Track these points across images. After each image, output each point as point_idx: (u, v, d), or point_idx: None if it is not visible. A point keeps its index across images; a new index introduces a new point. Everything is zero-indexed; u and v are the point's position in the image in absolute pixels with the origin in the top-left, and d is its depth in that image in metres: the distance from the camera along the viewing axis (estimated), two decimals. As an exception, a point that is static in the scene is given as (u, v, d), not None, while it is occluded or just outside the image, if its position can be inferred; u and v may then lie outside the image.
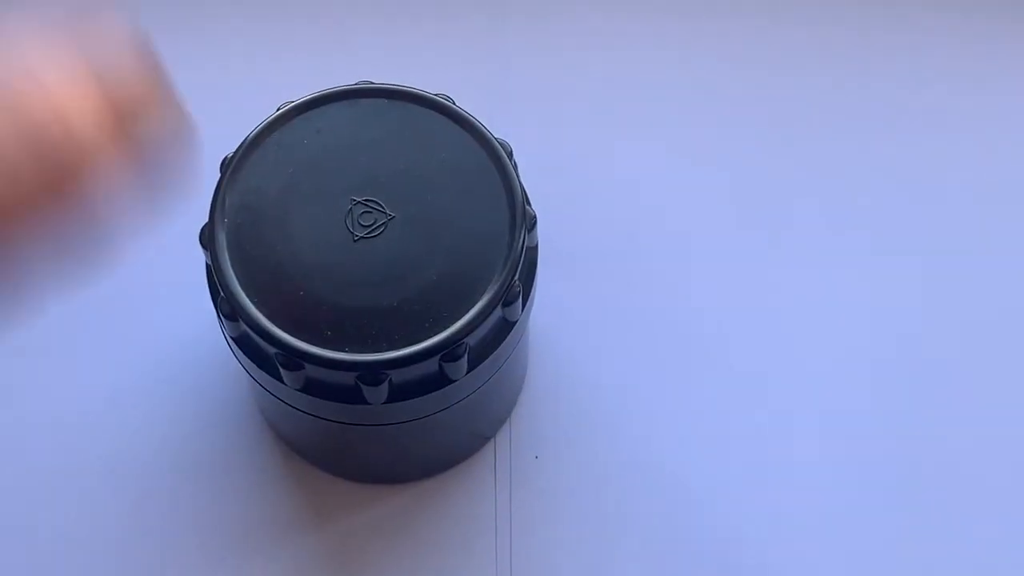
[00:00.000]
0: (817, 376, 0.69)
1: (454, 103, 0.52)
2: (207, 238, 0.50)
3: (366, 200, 0.49)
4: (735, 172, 0.73)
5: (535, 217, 0.51)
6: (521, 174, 0.52)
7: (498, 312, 0.50)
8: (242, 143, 0.51)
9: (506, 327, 0.52)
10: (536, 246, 0.53)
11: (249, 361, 0.52)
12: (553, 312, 0.68)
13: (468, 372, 0.51)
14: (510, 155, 0.51)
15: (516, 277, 0.50)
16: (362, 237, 0.49)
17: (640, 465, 0.66)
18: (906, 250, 0.72)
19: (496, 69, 0.72)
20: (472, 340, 0.49)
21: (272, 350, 0.49)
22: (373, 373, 0.48)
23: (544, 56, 0.74)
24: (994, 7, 0.77)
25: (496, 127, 0.53)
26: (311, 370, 0.49)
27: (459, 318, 0.48)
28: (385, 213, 0.49)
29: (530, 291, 0.53)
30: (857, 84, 0.75)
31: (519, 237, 0.49)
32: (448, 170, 0.50)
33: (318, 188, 0.50)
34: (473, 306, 0.49)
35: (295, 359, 0.49)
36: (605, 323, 0.69)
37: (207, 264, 0.51)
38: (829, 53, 0.76)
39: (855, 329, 0.70)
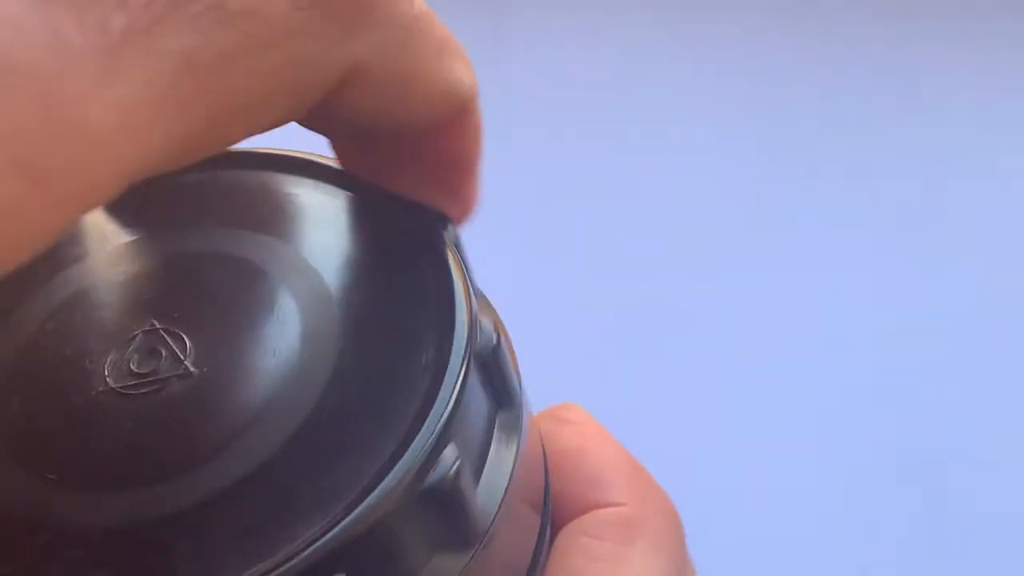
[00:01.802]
0: (813, 375, 0.69)
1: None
2: None
3: (155, 330, 0.25)
4: (736, 172, 0.73)
5: (494, 335, 0.25)
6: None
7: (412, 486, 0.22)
8: None
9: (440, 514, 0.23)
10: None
11: None
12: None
13: None
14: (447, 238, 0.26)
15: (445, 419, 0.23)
16: (125, 391, 0.24)
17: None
18: (905, 250, 0.72)
19: (495, 69, 0.72)
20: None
21: None
22: None
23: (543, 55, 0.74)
24: (1000, 13, 0.77)
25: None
26: None
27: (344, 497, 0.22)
28: (178, 346, 0.24)
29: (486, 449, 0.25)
30: (858, 84, 0.75)
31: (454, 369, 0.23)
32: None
33: (88, 322, 0.25)
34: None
35: None
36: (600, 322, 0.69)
37: None
38: (827, 53, 0.76)
39: (849, 325, 0.70)
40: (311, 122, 0.24)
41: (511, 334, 0.27)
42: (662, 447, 0.68)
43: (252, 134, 0.21)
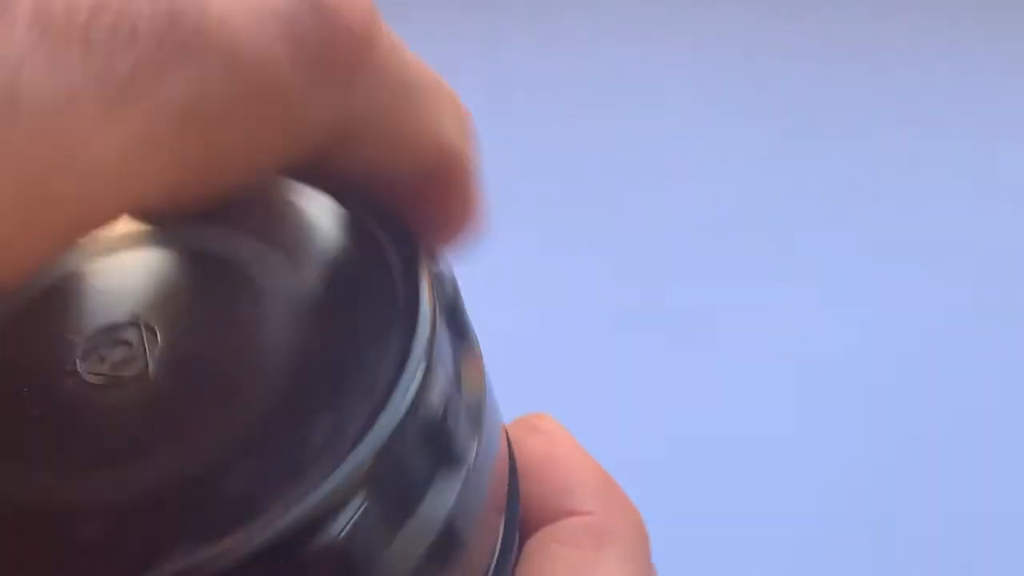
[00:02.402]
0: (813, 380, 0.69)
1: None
2: None
3: (116, 325, 0.26)
4: (734, 173, 0.73)
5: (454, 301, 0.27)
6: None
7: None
8: None
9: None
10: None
11: None
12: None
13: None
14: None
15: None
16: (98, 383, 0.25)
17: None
18: (906, 250, 0.72)
19: (494, 66, 0.72)
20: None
21: None
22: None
23: (543, 52, 0.74)
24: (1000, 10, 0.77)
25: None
26: None
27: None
28: (144, 338, 0.26)
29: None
30: (859, 84, 0.75)
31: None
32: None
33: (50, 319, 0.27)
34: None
35: None
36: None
37: None
38: (828, 51, 0.76)
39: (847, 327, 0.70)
40: (303, 174, 0.25)
41: (486, 342, 0.28)
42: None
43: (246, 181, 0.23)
